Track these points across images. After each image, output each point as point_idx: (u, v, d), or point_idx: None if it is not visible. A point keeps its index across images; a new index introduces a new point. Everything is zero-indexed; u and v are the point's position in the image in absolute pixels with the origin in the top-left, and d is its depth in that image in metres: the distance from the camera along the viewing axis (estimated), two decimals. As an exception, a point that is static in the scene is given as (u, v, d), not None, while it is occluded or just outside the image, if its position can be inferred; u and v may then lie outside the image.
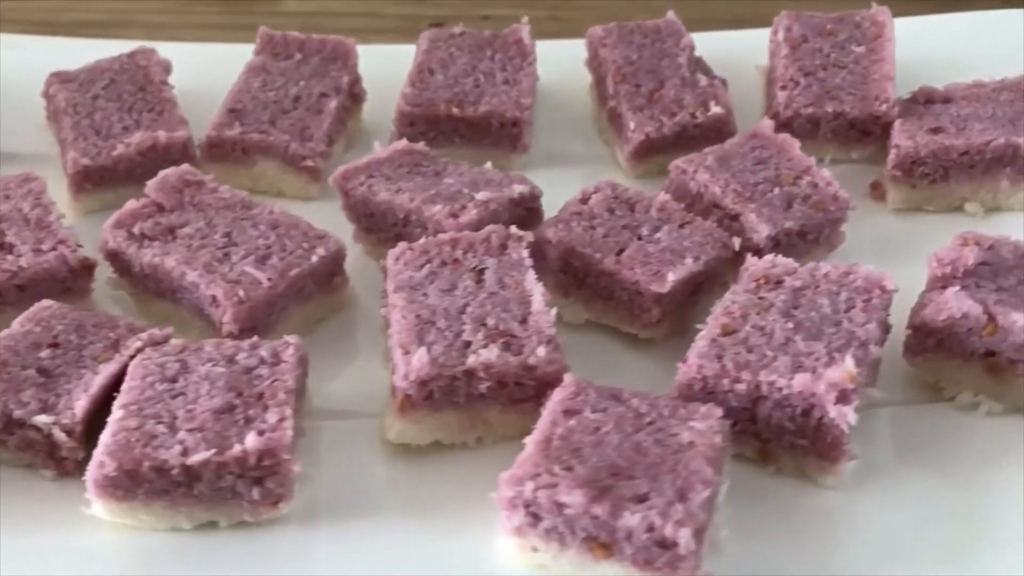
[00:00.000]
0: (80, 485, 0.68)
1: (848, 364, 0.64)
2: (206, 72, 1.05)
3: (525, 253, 0.78)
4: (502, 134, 0.98)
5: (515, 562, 0.61)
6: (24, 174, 0.92)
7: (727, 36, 1.16)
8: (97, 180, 0.94)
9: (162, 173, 0.86)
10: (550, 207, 0.91)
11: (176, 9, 1.33)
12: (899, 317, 0.78)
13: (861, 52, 1.02)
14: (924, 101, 0.99)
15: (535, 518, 0.59)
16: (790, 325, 0.70)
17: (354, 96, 1.03)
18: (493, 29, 1.10)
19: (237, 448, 0.62)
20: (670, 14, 1.08)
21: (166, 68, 1.04)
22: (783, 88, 0.99)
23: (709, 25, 1.15)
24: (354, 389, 0.78)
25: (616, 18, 1.19)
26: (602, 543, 0.58)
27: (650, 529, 0.56)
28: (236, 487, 0.63)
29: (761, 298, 0.74)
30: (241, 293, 0.76)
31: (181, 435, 0.63)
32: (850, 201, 0.87)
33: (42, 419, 0.66)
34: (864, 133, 0.98)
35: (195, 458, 0.61)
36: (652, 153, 0.97)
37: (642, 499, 0.57)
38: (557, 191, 0.93)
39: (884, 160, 0.97)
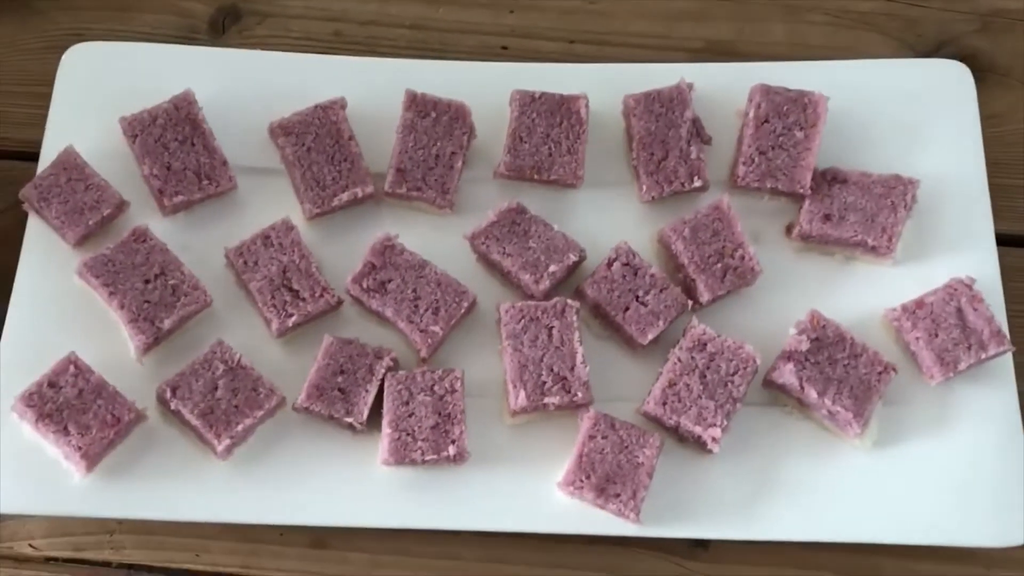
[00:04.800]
0: (365, 438, 1.45)
1: (718, 431, 1.38)
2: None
3: (575, 317, 1.46)
4: (564, 186, 1.58)
5: (564, 499, 1.42)
6: (284, 223, 1.53)
7: (724, 68, 1.66)
8: (321, 215, 1.56)
9: (371, 243, 1.49)
10: (595, 224, 1.55)
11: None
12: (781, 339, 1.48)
13: (800, 138, 1.55)
14: (830, 179, 1.55)
15: (572, 495, 1.38)
16: (701, 386, 1.41)
17: (470, 140, 1.59)
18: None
19: (445, 453, 1.38)
20: (681, 81, 1.59)
21: (343, 106, 1.59)
22: (744, 164, 1.55)
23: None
24: (481, 374, 1.48)
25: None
26: (601, 506, 1.38)
27: (619, 510, 1.36)
28: (443, 463, 1.41)
29: (693, 358, 1.44)
30: (429, 341, 1.46)
31: (419, 443, 1.39)
32: (760, 272, 1.50)
33: (348, 419, 1.42)
34: (789, 195, 1.57)
35: (428, 457, 1.38)
36: (657, 199, 1.58)
37: (617, 495, 1.36)
38: (599, 210, 1.58)
39: (799, 209, 1.57)
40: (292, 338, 1.51)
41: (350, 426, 1.44)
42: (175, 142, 1.54)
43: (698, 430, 1.40)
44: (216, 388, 1.41)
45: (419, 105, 1.58)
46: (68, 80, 1.61)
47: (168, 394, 1.40)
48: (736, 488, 1.44)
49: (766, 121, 1.56)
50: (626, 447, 1.39)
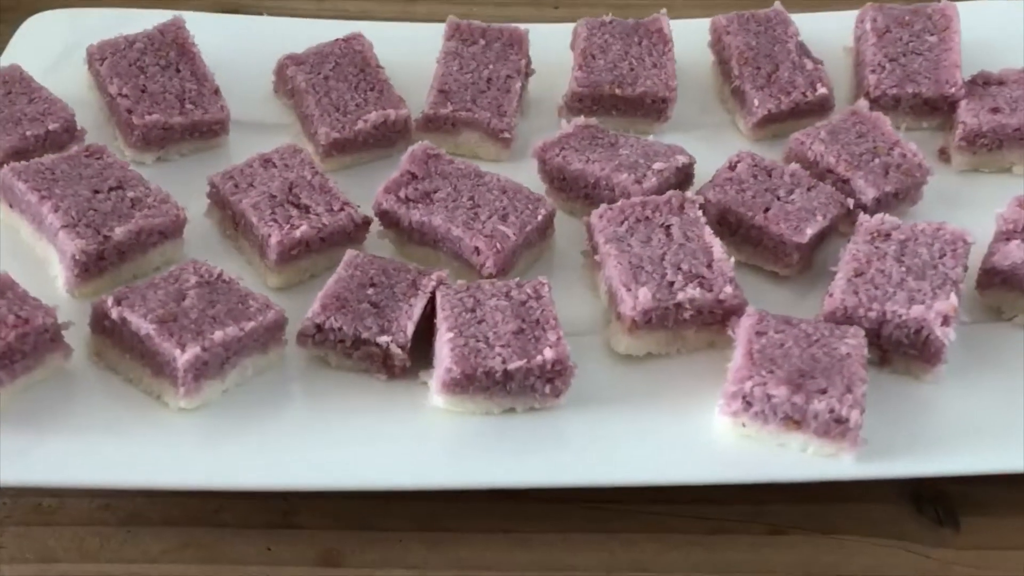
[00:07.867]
0: (403, 384, 0.96)
1: (952, 299, 0.93)
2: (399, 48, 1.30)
3: (700, 212, 1.05)
4: (652, 108, 1.24)
5: (727, 433, 0.91)
6: (290, 146, 1.16)
7: (815, 17, 1.41)
8: (341, 148, 1.19)
9: (411, 149, 1.11)
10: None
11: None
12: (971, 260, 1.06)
13: (934, 41, 1.27)
14: (983, 83, 1.25)
15: (748, 405, 0.88)
16: (903, 269, 0.98)
17: (527, 74, 1.28)
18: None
19: (539, 358, 0.90)
20: (777, 4, 1.33)
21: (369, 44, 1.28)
22: (873, 72, 1.25)
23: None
24: (572, 311, 1.03)
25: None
26: (795, 420, 0.87)
27: (831, 411, 0.86)
28: (534, 385, 0.91)
29: (877, 247, 1.01)
30: (498, 245, 1.03)
31: (497, 349, 0.90)
32: (929, 170, 1.13)
33: (383, 339, 0.94)
34: (934, 108, 1.24)
35: (512, 365, 0.89)
36: (770, 123, 1.23)
37: (823, 391, 0.86)
38: (692, 151, 1.21)
39: (948, 129, 1.24)
40: (294, 293, 1.05)
41: (383, 362, 0.94)
42: (155, 66, 1.20)
43: (918, 311, 0.93)
44: (184, 298, 0.93)
45: (464, 33, 1.27)
46: (26, 44, 1.30)
47: (110, 303, 0.92)
48: (975, 415, 0.94)
49: (887, 31, 1.27)
50: (817, 340, 0.91)
